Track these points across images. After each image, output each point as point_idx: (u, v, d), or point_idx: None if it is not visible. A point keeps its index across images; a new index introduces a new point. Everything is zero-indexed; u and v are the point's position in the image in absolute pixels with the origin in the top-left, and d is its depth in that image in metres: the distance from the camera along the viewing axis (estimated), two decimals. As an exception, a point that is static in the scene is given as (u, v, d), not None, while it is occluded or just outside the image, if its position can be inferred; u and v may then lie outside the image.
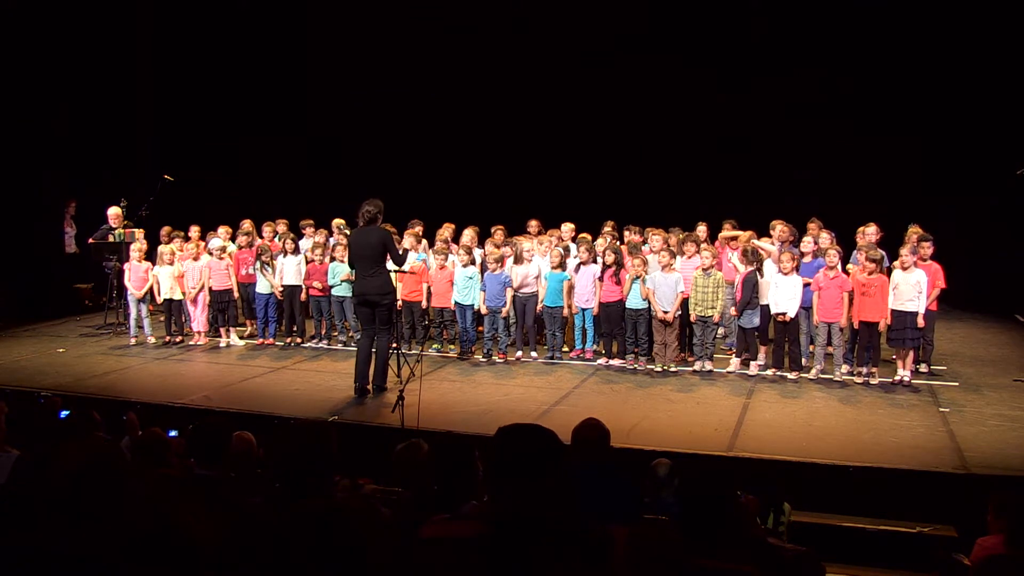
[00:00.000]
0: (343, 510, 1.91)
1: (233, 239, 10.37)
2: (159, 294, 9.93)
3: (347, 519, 1.89)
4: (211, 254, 9.86)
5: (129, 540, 1.76)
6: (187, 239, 10.46)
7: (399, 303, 9.04)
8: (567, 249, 9.26)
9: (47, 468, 1.80)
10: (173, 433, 5.19)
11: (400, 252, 8.04)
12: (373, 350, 7.70)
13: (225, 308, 9.89)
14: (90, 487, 1.74)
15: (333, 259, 9.47)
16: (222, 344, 9.82)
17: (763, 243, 8.53)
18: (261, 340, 9.91)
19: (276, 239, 10.31)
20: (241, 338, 10.03)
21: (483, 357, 8.98)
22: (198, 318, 9.91)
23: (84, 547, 1.72)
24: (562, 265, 8.89)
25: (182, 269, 9.88)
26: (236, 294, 9.94)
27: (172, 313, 10.02)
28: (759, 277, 8.14)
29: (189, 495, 2.83)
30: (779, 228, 8.67)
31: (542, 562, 2.03)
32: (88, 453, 1.80)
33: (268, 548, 1.89)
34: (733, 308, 8.30)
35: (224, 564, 2.12)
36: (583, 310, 8.85)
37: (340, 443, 2.99)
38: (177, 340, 9.97)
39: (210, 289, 9.81)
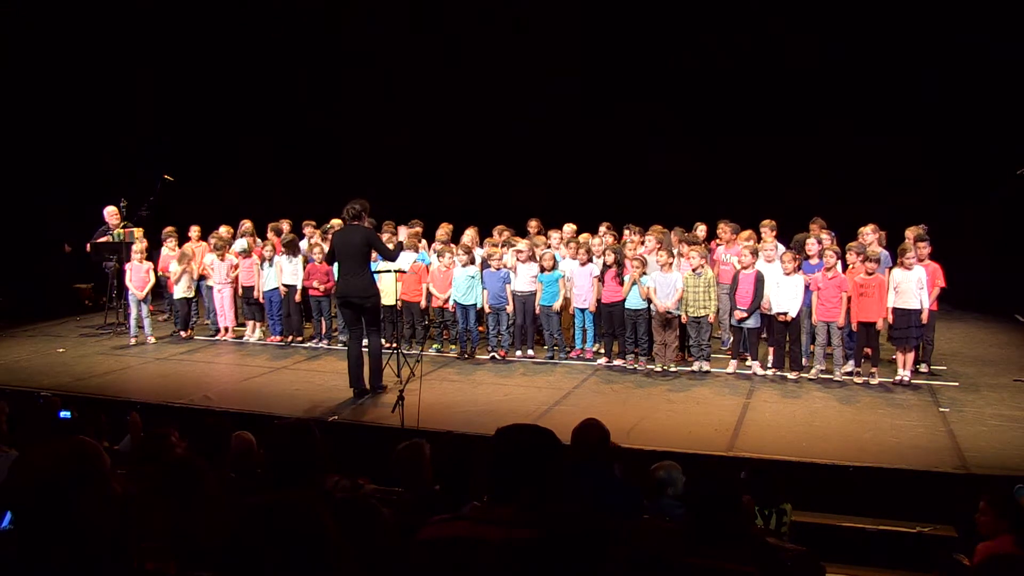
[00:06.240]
0: (296, 502, 1.88)
1: (233, 238, 10.38)
2: (176, 290, 10.05)
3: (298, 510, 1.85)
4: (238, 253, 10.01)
5: (89, 541, 1.75)
6: (187, 239, 10.46)
7: (398, 303, 9.03)
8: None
9: (18, 467, 1.78)
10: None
11: (392, 247, 8.01)
12: (364, 350, 7.67)
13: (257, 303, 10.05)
14: (55, 487, 1.72)
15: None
16: (251, 338, 10.04)
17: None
18: (268, 338, 10.00)
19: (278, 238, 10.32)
20: (240, 338, 10.06)
21: (486, 355, 8.98)
22: (227, 313, 9.99)
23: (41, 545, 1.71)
24: (555, 266, 8.89)
25: (209, 269, 10.12)
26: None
27: (188, 310, 10.26)
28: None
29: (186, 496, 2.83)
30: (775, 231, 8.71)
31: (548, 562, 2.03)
32: (58, 454, 1.78)
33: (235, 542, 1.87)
34: (739, 311, 8.20)
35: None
36: (581, 310, 8.86)
37: (326, 441, 3.01)
38: (184, 335, 10.21)
39: (250, 287, 9.95)
